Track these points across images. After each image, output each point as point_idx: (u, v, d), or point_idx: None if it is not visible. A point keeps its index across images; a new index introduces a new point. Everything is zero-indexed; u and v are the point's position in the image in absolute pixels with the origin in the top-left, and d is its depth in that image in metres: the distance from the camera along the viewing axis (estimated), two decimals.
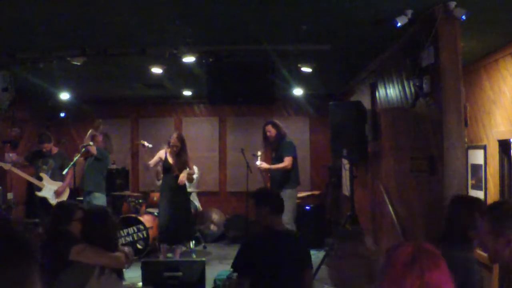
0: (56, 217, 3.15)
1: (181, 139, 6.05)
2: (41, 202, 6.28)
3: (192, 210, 7.49)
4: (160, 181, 6.49)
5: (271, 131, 6.14)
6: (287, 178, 5.98)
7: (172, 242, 6.13)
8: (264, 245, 2.89)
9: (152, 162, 6.14)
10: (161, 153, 6.13)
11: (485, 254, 4.90)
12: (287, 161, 5.92)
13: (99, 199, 6.35)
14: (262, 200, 3.05)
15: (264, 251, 2.85)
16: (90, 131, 6.18)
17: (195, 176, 7.73)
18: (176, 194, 6.07)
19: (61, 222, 3.08)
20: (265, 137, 6.25)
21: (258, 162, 6.17)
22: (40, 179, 6.32)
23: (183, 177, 5.98)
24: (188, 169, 6.11)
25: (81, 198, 6.71)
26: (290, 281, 2.91)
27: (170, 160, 6.02)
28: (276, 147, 6.12)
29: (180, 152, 6.02)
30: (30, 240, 1.00)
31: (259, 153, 6.28)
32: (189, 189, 7.49)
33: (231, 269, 2.94)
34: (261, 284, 2.81)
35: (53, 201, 6.26)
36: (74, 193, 6.87)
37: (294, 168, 6.04)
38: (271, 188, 6.29)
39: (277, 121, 6.32)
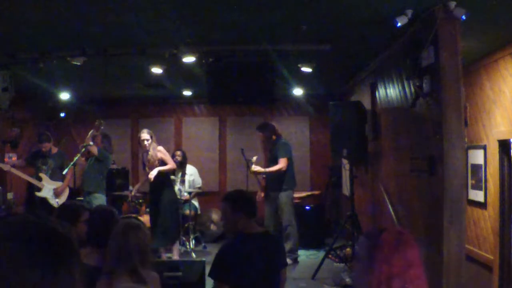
0: (62, 219, 3.12)
1: (149, 134, 5.96)
2: (41, 203, 6.28)
3: (192, 212, 7.49)
4: None
5: (259, 136, 6.13)
6: (283, 180, 5.95)
7: (162, 243, 6.08)
8: (241, 250, 2.84)
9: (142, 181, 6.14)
10: (140, 160, 6.14)
11: (485, 254, 4.93)
12: (281, 163, 5.89)
13: (99, 199, 6.33)
14: (235, 204, 2.94)
15: (240, 256, 2.81)
16: (92, 131, 6.16)
17: (192, 177, 7.73)
18: (155, 193, 5.98)
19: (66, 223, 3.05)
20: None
21: (253, 167, 6.18)
22: (40, 179, 6.32)
23: (151, 174, 5.85)
24: (168, 165, 6.01)
25: (81, 198, 6.70)
26: (270, 281, 2.91)
27: (145, 161, 5.99)
28: (271, 148, 6.09)
29: (149, 148, 5.94)
30: (72, 238, 1.00)
31: (253, 159, 6.28)
32: (189, 190, 7.51)
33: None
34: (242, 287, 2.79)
35: (52, 201, 6.27)
36: (74, 193, 6.88)
37: (289, 169, 6.00)
38: (266, 189, 6.28)
39: (266, 123, 6.26)
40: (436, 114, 3.74)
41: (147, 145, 5.90)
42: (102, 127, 6.09)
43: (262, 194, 6.47)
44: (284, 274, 3.08)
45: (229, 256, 2.82)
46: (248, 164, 6.64)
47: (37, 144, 6.50)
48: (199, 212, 7.92)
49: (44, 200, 6.27)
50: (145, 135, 5.93)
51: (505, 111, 4.45)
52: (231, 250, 2.87)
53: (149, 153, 5.91)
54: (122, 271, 2.43)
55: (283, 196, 6.23)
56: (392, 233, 1.63)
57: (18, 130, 7.58)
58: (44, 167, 6.38)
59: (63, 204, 3.71)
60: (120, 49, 4.86)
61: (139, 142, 5.99)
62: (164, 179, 6.11)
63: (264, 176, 6.31)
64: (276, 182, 5.98)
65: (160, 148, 6.04)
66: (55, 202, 6.24)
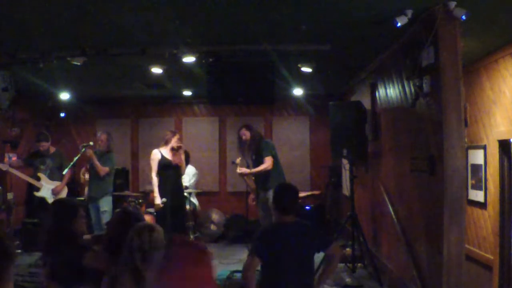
0: (58, 216, 2.98)
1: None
2: (40, 202, 6.29)
3: (191, 207, 7.49)
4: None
5: (245, 134, 6.08)
6: (270, 178, 5.91)
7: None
8: (272, 234, 3.21)
9: (154, 173, 6.07)
10: (156, 156, 6.04)
11: (485, 254, 4.93)
12: (267, 162, 5.86)
13: (105, 201, 6.46)
14: (274, 197, 3.34)
15: (272, 239, 3.16)
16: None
17: (191, 176, 7.74)
18: (177, 190, 6.10)
19: (63, 220, 2.91)
20: (241, 141, 6.19)
21: (238, 169, 6.16)
22: (38, 179, 6.32)
23: (179, 159, 6.04)
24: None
25: (82, 199, 6.72)
26: (300, 267, 3.18)
27: (169, 157, 6.03)
28: (255, 149, 6.06)
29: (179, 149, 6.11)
30: (7, 240, 1.08)
31: (238, 160, 6.25)
32: (189, 191, 7.51)
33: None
34: (272, 270, 3.12)
35: (51, 200, 6.28)
36: (73, 193, 6.89)
37: (275, 166, 5.99)
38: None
39: (250, 124, 6.25)
40: (436, 114, 3.74)
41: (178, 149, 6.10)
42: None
43: (253, 197, 6.45)
44: (333, 250, 3.31)
45: (261, 234, 3.20)
46: (248, 162, 6.65)
47: (35, 143, 6.52)
48: (198, 209, 7.92)
49: (43, 200, 6.27)
50: (180, 142, 6.15)
51: (505, 111, 4.45)
52: (263, 231, 3.31)
53: (181, 149, 6.09)
54: (124, 272, 2.42)
55: (272, 194, 6.19)
56: (196, 249, 1.61)
57: (18, 130, 7.57)
58: (42, 166, 6.39)
59: (59, 201, 3.58)
60: (120, 49, 4.85)
61: (175, 140, 6.05)
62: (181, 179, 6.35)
63: (253, 177, 6.28)
64: (264, 181, 5.96)
65: None
66: None
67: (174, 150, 6.04)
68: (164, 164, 6.03)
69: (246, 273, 3.04)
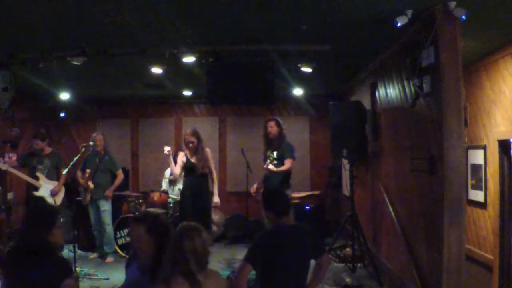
0: (35, 224, 2.70)
1: (196, 134, 5.94)
2: (37, 202, 6.28)
3: None
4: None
5: (273, 127, 5.94)
6: (284, 180, 5.86)
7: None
8: (272, 239, 3.22)
9: (178, 169, 5.98)
10: (182, 157, 6.01)
11: (485, 254, 4.93)
12: (288, 164, 5.79)
13: (106, 202, 6.60)
14: (266, 205, 3.38)
15: (272, 244, 3.18)
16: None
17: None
18: (200, 195, 5.99)
19: (40, 230, 2.66)
20: (266, 134, 6.03)
21: (270, 166, 5.88)
22: (37, 178, 6.33)
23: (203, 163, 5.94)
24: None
25: (80, 198, 6.73)
26: (299, 270, 3.21)
27: (192, 159, 5.95)
28: (277, 147, 5.95)
29: (197, 148, 5.93)
30: None
31: (274, 154, 6.01)
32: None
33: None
34: (272, 273, 3.13)
35: (50, 200, 6.30)
36: (70, 192, 6.90)
37: (291, 170, 5.94)
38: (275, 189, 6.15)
39: (280, 120, 6.15)
40: (436, 114, 3.75)
41: (193, 146, 5.93)
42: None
43: (257, 190, 6.22)
44: (324, 260, 3.37)
45: (260, 240, 3.21)
46: (249, 162, 6.59)
47: (31, 139, 6.56)
48: None
49: (41, 200, 6.27)
50: (190, 136, 5.94)
51: (505, 111, 4.45)
52: (262, 236, 3.28)
53: (203, 154, 5.95)
54: (178, 276, 2.36)
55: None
56: None
57: (18, 130, 7.57)
58: (40, 166, 6.39)
59: (36, 208, 3.42)
60: (120, 49, 4.85)
61: (186, 141, 5.95)
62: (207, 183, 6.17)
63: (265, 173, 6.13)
64: (277, 182, 5.88)
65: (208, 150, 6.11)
66: (52, 201, 6.28)
67: (196, 154, 5.93)
68: (189, 167, 5.97)
69: (238, 281, 3.04)
